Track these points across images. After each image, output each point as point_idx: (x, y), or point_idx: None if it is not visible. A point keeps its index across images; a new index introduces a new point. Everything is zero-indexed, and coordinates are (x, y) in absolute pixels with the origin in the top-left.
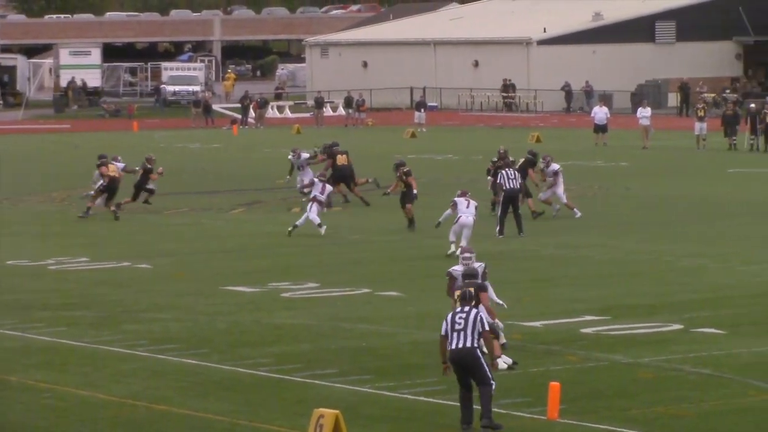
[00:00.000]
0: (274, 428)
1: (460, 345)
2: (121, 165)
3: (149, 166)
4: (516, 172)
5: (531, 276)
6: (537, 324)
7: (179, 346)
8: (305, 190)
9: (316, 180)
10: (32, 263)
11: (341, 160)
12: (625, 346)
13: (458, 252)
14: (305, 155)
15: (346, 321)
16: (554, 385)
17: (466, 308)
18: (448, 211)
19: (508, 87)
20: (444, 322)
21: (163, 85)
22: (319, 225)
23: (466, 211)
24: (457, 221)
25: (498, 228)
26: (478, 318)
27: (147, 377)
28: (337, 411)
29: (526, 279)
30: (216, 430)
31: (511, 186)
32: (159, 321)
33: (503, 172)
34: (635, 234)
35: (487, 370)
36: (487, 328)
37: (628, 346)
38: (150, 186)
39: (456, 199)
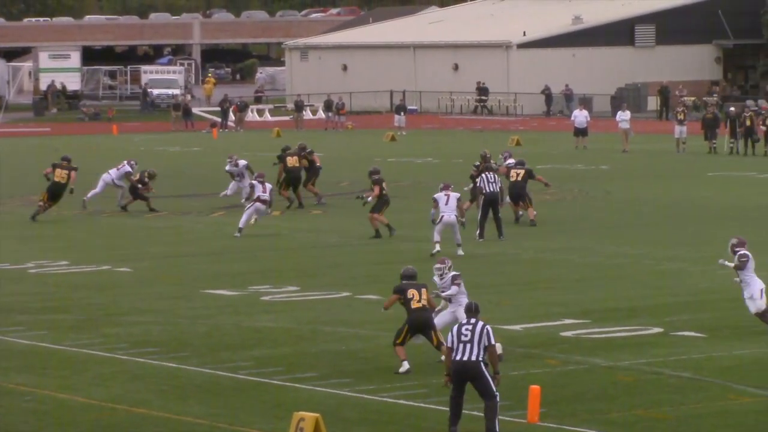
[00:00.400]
0: (253, 431)
1: (465, 357)
2: (125, 169)
3: (146, 180)
4: (496, 176)
5: (511, 279)
6: (517, 327)
7: (159, 349)
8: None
9: (255, 183)
10: (12, 267)
11: (291, 162)
12: (604, 349)
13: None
14: (243, 162)
15: (326, 324)
16: (534, 388)
17: (473, 320)
18: (433, 210)
19: (481, 90)
20: (450, 334)
21: (150, 89)
22: (240, 230)
23: (447, 208)
24: (440, 221)
25: (478, 231)
26: (485, 331)
27: (127, 380)
28: (317, 414)
29: (506, 282)
30: None
31: (492, 189)
32: (139, 324)
33: (484, 175)
34: (615, 237)
35: (491, 383)
36: (493, 341)
37: (608, 350)
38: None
39: (436, 196)
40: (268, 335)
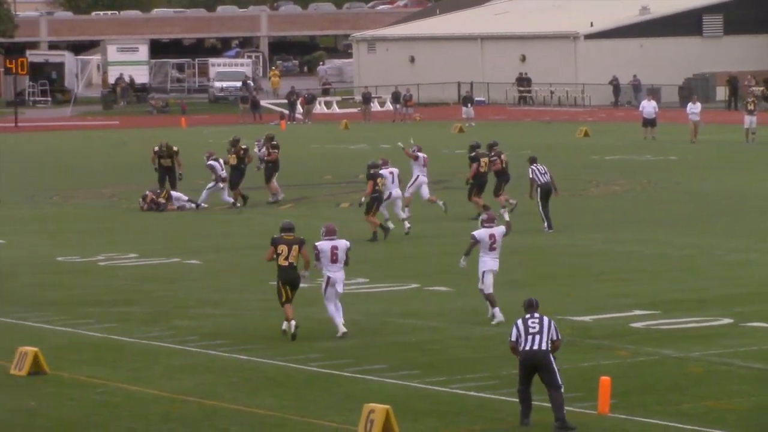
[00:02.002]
0: (324, 423)
1: (535, 347)
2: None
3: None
4: (545, 167)
5: (580, 271)
6: (587, 319)
7: (230, 341)
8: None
9: (213, 163)
10: (82, 259)
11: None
12: (674, 340)
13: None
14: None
15: (395, 316)
16: (605, 379)
17: (536, 315)
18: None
19: (523, 81)
20: (514, 328)
21: (249, 81)
22: (198, 205)
23: (393, 186)
24: (387, 198)
25: (546, 223)
26: (552, 325)
27: (197, 373)
28: (387, 406)
29: (575, 274)
30: (267, 425)
31: (545, 180)
32: (209, 317)
33: (534, 167)
34: (684, 228)
35: (558, 373)
36: (559, 337)
37: (678, 341)
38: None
39: (382, 172)
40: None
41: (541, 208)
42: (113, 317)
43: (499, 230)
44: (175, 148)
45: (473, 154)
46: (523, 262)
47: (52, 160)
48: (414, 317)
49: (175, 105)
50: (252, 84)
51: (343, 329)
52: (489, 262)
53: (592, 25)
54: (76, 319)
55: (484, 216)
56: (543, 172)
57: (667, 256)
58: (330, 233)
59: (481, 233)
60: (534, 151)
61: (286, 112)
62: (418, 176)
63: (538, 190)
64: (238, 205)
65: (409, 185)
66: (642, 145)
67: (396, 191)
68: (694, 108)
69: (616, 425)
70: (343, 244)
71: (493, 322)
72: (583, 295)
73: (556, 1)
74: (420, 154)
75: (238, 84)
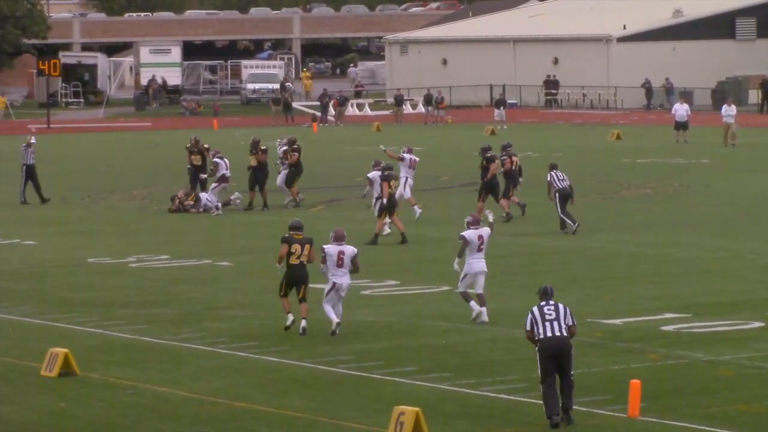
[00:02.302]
0: (354, 426)
1: (557, 333)
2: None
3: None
4: (564, 174)
5: (611, 273)
6: (617, 322)
7: (260, 343)
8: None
9: (218, 161)
10: (113, 261)
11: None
12: (705, 343)
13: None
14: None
15: (426, 318)
16: (635, 382)
17: (551, 302)
18: (368, 187)
19: (550, 83)
20: (529, 316)
21: (288, 84)
22: (218, 207)
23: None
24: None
25: (570, 222)
26: (568, 312)
27: (227, 374)
28: (417, 408)
29: (606, 276)
30: (296, 427)
31: (563, 186)
32: (239, 318)
33: (554, 173)
34: (716, 231)
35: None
36: (575, 323)
37: (709, 344)
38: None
39: (370, 175)
40: (367, 329)
41: (560, 211)
42: (143, 318)
43: (486, 231)
44: (205, 145)
45: (489, 155)
46: (553, 265)
47: (84, 162)
48: (445, 320)
49: (208, 107)
50: (291, 86)
51: (336, 322)
52: (476, 264)
53: (624, 27)
54: (107, 320)
55: (469, 218)
56: (562, 178)
57: (699, 259)
58: (339, 238)
59: (470, 234)
60: (566, 153)
61: (318, 114)
62: (406, 178)
63: (557, 195)
64: (293, 203)
65: (403, 188)
66: (674, 148)
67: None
68: (729, 110)
69: (646, 428)
70: (350, 250)
71: (473, 316)
72: (614, 298)
73: (590, 4)
74: (407, 156)
75: (271, 86)
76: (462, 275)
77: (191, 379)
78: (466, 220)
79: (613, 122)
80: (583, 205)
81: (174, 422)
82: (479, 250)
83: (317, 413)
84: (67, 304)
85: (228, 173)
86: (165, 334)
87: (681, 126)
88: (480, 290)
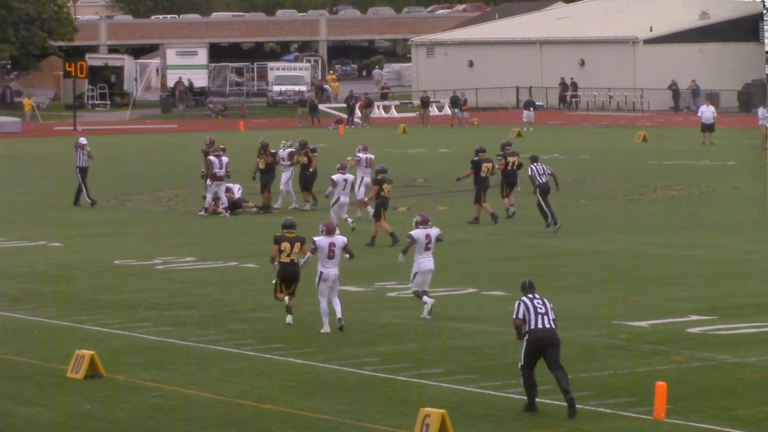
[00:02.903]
0: (380, 428)
1: (547, 325)
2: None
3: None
4: (545, 167)
5: (637, 275)
6: (643, 323)
7: (285, 345)
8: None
9: (212, 159)
10: (139, 263)
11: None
12: (731, 345)
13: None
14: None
15: (452, 320)
16: (661, 384)
17: (537, 296)
18: (331, 188)
19: (565, 86)
20: (520, 305)
21: (326, 86)
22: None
23: (343, 192)
24: (336, 202)
25: (550, 219)
26: (552, 306)
27: (253, 376)
28: (443, 410)
29: (631, 278)
30: (322, 429)
31: (544, 180)
32: (265, 320)
33: (534, 166)
34: (742, 233)
35: None
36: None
37: (735, 346)
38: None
39: (334, 177)
40: (393, 331)
41: (543, 205)
42: (169, 320)
43: (434, 231)
44: (221, 147)
45: (475, 158)
46: (579, 267)
47: (111, 164)
48: (471, 321)
49: (234, 109)
50: (329, 88)
51: (327, 329)
52: (424, 262)
53: (651, 29)
54: (133, 322)
55: (417, 218)
56: (542, 172)
57: (725, 260)
58: (329, 232)
59: (417, 233)
60: (592, 155)
61: (344, 116)
62: (363, 177)
63: (537, 190)
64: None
65: (357, 188)
66: (700, 150)
67: (345, 198)
68: (766, 113)
69: (672, 430)
70: (340, 240)
71: (423, 314)
72: (640, 300)
73: (616, 6)
74: (362, 155)
75: (297, 88)
76: (412, 274)
77: (217, 381)
78: (414, 219)
79: (639, 124)
80: (609, 207)
81: (199, 424)
82: (426, 248)
83: (343, 415)
84: (93, 306)
85: (221, 172)
86: (191, 336)
87: (707, 128)
88: (426, 287)
